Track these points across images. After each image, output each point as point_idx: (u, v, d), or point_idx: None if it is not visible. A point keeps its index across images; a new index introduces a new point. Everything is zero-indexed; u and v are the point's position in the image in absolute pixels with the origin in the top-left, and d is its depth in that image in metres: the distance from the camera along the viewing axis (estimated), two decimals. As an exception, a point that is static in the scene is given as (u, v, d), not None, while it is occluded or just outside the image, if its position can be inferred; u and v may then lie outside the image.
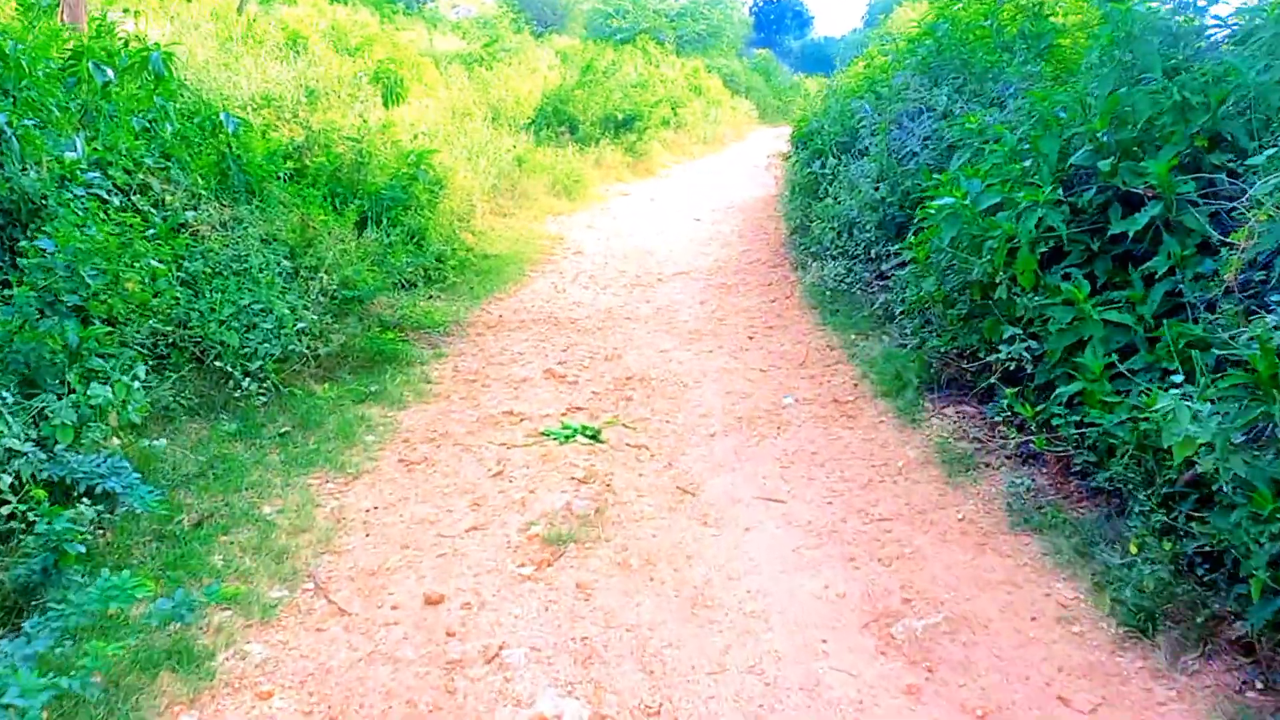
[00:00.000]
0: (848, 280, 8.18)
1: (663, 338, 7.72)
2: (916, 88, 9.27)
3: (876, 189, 8.09)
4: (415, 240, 9.12)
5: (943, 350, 5.74)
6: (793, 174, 11.07)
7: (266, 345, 5.83)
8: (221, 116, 7.30)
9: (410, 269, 8.33)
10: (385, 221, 8.81)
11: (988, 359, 5.25)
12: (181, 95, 8.01)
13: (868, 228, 8.03)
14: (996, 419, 5.08)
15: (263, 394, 5.65)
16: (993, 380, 5.19)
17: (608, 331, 7.95)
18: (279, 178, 7.93)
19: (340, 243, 7.15)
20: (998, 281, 4.95)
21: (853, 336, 7.35)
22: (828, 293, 8.33)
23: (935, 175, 6.03)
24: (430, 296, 8.87)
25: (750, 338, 7.64)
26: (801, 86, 48.93)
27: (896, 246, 7.39)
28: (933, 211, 5.44)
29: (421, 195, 9.42)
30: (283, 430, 5.45)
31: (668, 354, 7.28)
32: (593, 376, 6.79)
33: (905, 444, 5.34)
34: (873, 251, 8.02)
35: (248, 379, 5.60)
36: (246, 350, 5.74)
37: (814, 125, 10.70)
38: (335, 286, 6.79)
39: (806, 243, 9.75)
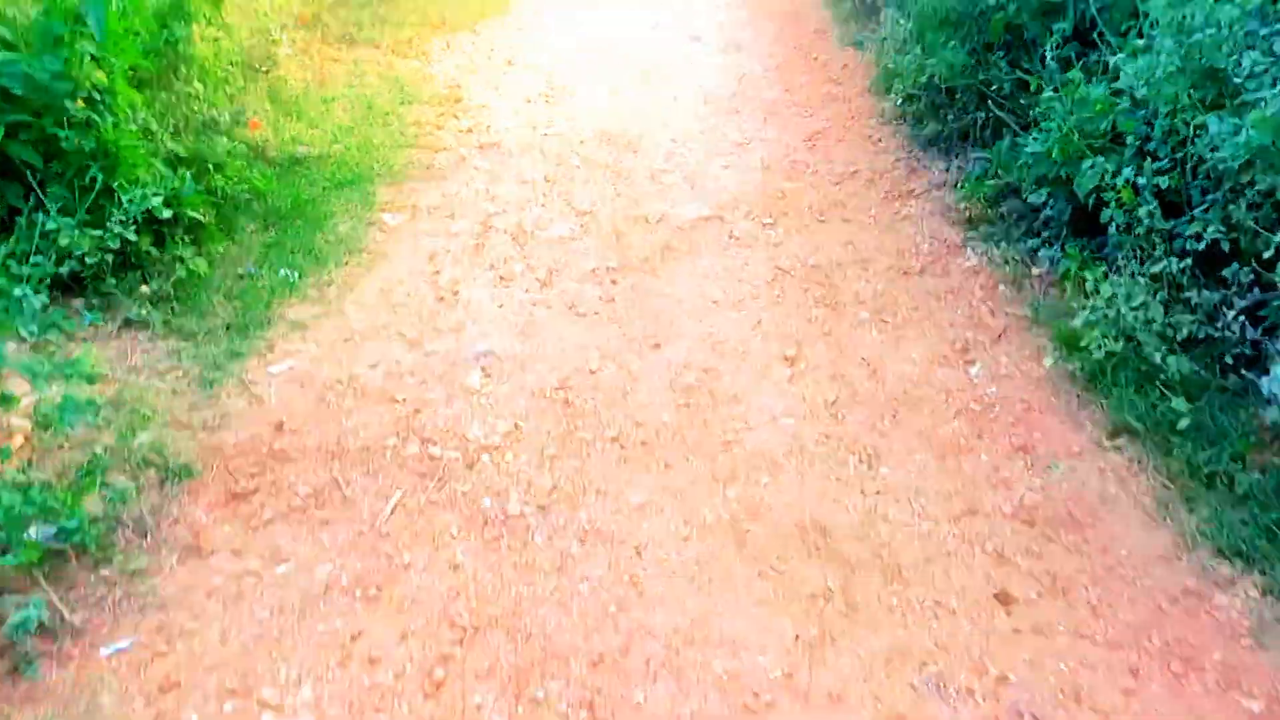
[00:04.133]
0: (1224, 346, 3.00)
1: (736, 559, 2.62)
2: None
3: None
4: (85, 192, 3.70)
5: None
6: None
7: None
8: None
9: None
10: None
11: None
12: None
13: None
14: None
15: None
16: None
17: (575, 517, 2.82)
18: None
19: None
20: None
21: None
22: (1149, 373, 3.14)
23: None
24: (121, 341, 3.56)
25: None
26: None
27: None
28: None
29: (86, 76, 3.82)
30: None
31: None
32: None
33: None
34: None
35: None
36: None
37: None
38: None
39: (992, 177, 4.40)
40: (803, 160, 5.35)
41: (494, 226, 4.60)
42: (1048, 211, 3.99)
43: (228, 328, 3.75)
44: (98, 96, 3.88)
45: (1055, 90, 3.95)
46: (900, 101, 5.59)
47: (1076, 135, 3.72)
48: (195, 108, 4.74)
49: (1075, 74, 3.92)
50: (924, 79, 5.27)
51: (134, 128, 4.00)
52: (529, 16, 8.05)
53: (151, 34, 4.51)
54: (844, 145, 5.51)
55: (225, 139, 4.66)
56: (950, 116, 5.14)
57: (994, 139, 4.72)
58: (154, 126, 4.24)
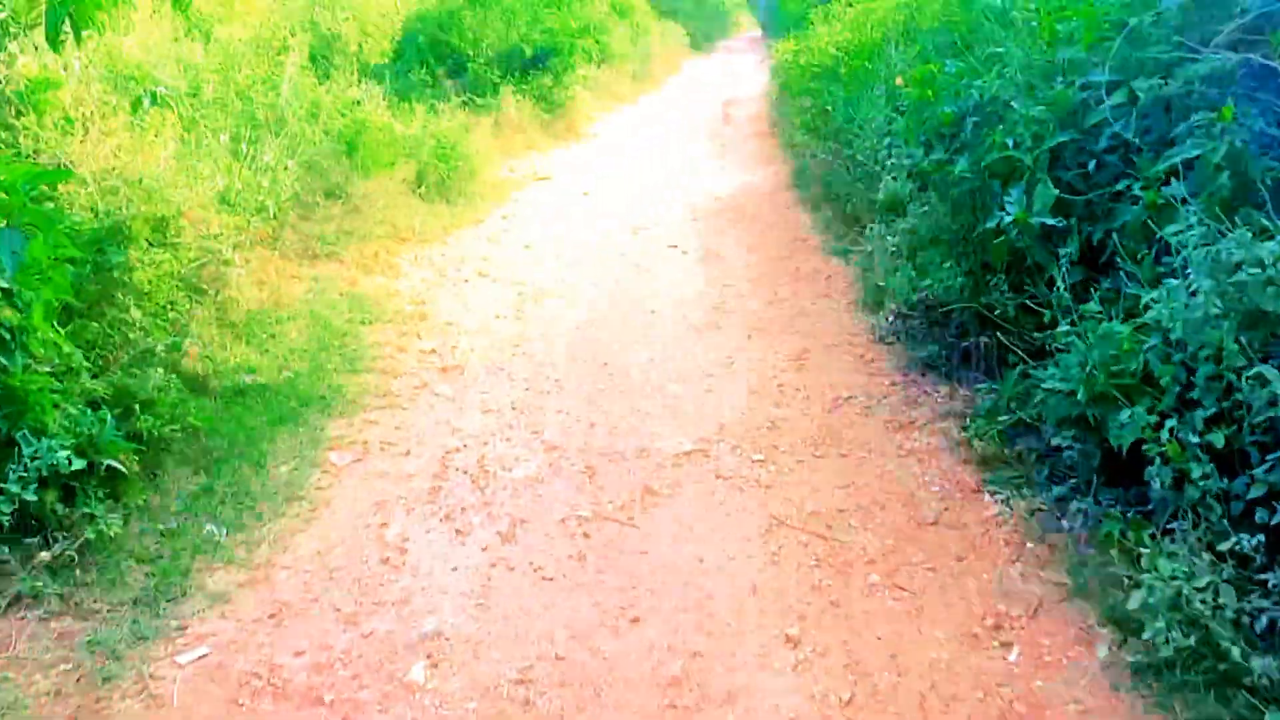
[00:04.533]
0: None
1: None
2: None
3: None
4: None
5: None
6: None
7: None
8: None
9: None
10: None
11: None
12: None
13: None
14: None
15: None
16: None
17: None
18: None
19: None
20: None
21: None
22: (1228, 673, 2.61)
23: None
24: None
25: None
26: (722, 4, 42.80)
27: None
28: None
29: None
30: None
31: None
32: None
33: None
34: None
35: None
36: None
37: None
38: None
39: (1004, 411, 4.01)
40: (791, 382, 4.96)
41: (452, 465, 4.13)
42: (1073, 455, 3.56)
43: (135, 602, 3.21)
44: (8, 336, 3.46)
45: (1072, 323, 3.60)
46: (892, 319, 5.27)
47: (1102, 375, 3.33)
48: (130, 337, 4.35)
49: (1092, 305, 3.57)
50: (917, 298, 4.97)
51: (48, 370, 3.56)
52: (503, 225, 7.87)
53: (84, 261, 4.15)
54: (835, 366, 5.14)
55: (160, 370, 4.22)
56: (949, 338, 4.80)
57: (999, 364, 4.36)
58: (76, 363, 3.80)
